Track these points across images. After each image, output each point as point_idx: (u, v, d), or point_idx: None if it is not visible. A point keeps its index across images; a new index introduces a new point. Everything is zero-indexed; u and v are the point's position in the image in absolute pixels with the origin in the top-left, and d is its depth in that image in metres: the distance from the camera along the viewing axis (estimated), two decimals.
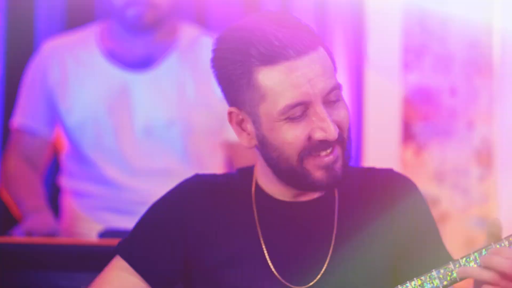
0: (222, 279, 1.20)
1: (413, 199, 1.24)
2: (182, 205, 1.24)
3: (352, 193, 1.23)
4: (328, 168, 1.15)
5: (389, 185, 1.24)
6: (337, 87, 1.15)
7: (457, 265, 1.09)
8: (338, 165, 1.16)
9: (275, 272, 1.19)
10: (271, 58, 1.11)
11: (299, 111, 1.12)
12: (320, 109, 1.12)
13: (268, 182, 1.22)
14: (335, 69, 1.18)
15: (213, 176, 1.28)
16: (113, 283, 1.22)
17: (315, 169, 1.15)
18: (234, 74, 1.15)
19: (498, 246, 1.08)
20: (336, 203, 1.23)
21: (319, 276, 1.19)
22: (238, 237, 1.21)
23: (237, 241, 1.21)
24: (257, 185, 1.24)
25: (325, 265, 1.19)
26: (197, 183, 1.26)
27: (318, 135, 1.13)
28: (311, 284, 1.18)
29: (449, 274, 1.10)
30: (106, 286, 1.22)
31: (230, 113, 1.19)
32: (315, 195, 1.22)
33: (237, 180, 1.26)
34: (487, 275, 1.04)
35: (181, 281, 1.26)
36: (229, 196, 1.24)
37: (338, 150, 1.15)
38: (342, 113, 1.15)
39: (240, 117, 1.18)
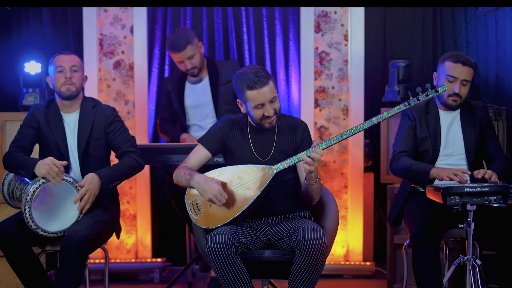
0: (234, 153, 3.30)
1: (305, 129, 3.34)
2: (222, 125, 3.34)
3: (281, 125, 3.32)
4: (269, 123, 3.23)
5: (296, 122, 3.34)
6: (275, 97, 3.20)
7: (303, 153, 3.09)
8: (272, 121, 3.23)
9: (254, 152, 3.28)
10: (251, 87, 3.17)
11: (260, 105, 3.20)
12: (267, 106, 3.20)
13: (251, 121, 3.32)
14: (276, 89, 3.26)
15: (235, 116, 3.39)
16: (196, 152, 3.34)
17: (265, 123, 3.24)
18: (238, 89, 3.22)
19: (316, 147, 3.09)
20: (276, 129, 3.31)
21: (270, 155, 3.28)
22: (241, 139, 3.31)
23: (241, 140, 3.31)
24: (248, 121, 3.33)
25: (272, 151, 3.29)
26: (228, 118, 3.37)
27: (266, 114, 3.21)
28: (268, 158, 3.27)
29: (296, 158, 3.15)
30: (194, 154, 3.34)
31: (238, 102, 3.30)
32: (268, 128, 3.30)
33: (242, 118, 3.36)
34: (306, 158, 3.06)
35: (221, 153, 3.35)
36: (239, 124, 3.34)
37: (273, 117, 3.23)
38: (276, 105, 3.23)
39: (241, 103, 3.29)
